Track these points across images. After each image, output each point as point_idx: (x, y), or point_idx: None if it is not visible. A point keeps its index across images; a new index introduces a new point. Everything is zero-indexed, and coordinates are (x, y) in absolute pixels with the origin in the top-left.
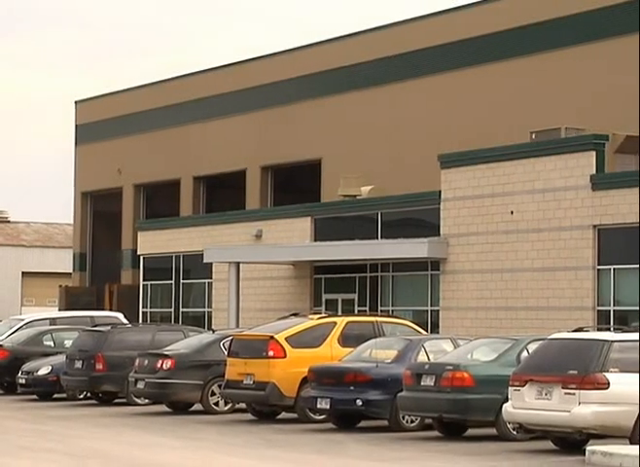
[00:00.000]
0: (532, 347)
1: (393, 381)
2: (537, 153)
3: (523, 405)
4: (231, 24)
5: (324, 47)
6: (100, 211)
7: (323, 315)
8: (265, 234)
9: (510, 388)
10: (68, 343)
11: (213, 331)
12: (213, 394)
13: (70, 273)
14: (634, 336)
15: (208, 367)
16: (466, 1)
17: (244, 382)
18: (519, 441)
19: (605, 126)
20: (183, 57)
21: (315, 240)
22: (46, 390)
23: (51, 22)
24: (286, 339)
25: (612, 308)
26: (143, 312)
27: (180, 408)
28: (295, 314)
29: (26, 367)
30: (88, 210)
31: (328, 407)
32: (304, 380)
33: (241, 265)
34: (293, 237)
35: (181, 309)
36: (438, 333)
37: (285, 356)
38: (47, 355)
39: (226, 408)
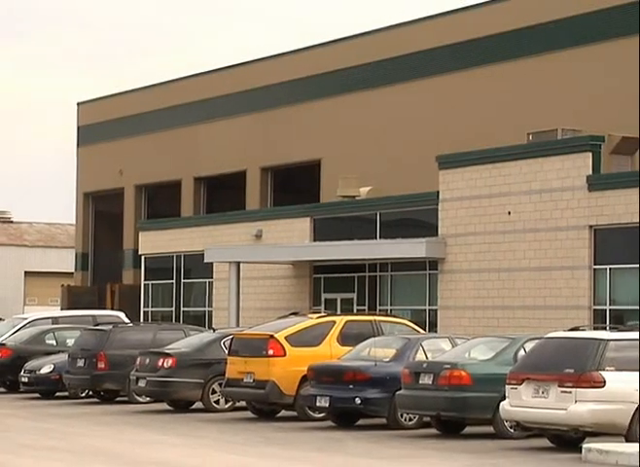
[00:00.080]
0: (529, 346)
1: (391, 380)
2: (534, 154)
3: (520, 403)
4: (231, 25)
5: (323, 49)
6: (102, 211)
7: (322, 314)
8: (264, 235)
9: (507, 386)
10: (70, 342)
11: (214, 330)
12: (214, 392)
13: (72, 273)
14: (630, 335)
15: (209, 365)
16: (462, 4)
17: (244, 381)
18: (516, 438)
19: (601, 128)
20: (183, 58)
21: (314, 240)
22: (48, 388)
23: (51, 23)
24: (286, 337)
25: (608, 308)
26: (144, 311)
27: (181, 406)
28: (294, 313)
29: (29, 365)
30: (90, 211)
31: (327, 405)
32: (304, 379)
33: (241, 264)
34: (292, 237)
35: (182, 309)
36: (436, 332)
37: (285, 355)
38: (49, 354)
39: (226, 406)
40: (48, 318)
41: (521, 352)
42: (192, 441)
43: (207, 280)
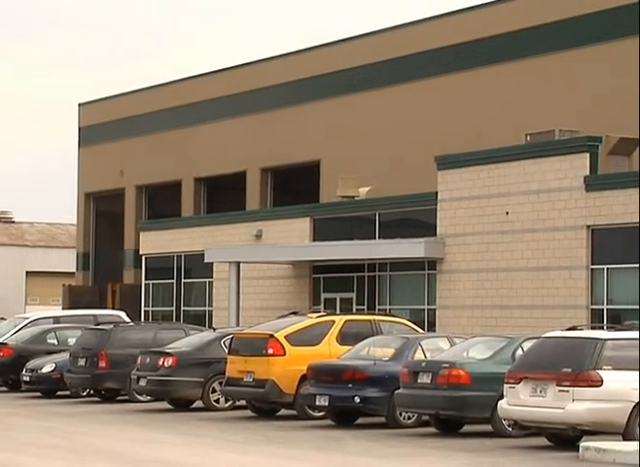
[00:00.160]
0: (527, 345)
1: (390, 379)
2: (532, 154)
3: (518, 402)
4: (231, 26)
5: (322, 50)
6: (103, 212)
7: (322, 314)
8: (264, 235)
9: (505, 386)
10: (72, 341)
11: (214, 329)
12: (214, 391)
13: (73, 273)
14: (627, 334)
15: (209, 365)
16: (461, 6)
17: (244, 380)
18: (514, 437)
19: (599, 129)
20: (183, 59)
21: (314, 240)
22: (49, 387)
23: (51, 23)
24: (285, 337)
25: (605, 307)
26: (145, 311)
27: (181, 405)
28: (294, 313)
29: (30, 364)
30: (92, 211)
31: (326, 404)
32: (303, 378)
33: (241, 264)
34: (292, 237)
35: (182, 308)
36: (434, 331)
37: (284, 354)
38: (50, 353)
39: (226, 405)
40: (49, 318)
41: (519, 351)
42: (192, 439)
43: (207, 280)
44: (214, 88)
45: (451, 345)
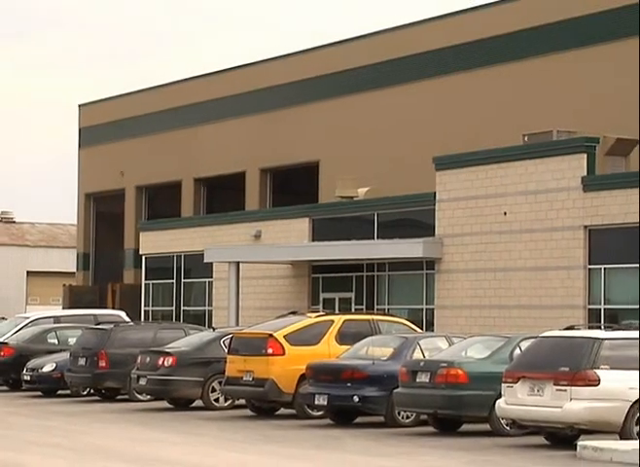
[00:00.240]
0: (525, 345)
1: (389, 378)
2: (529, 155)
3: (516, 401)
4: (231, 27)
5: (321, 51)
6: (103, 212)
7: (321, 314)
8: (264, 235)
9: (503, 385)
10: (72, 341)
11: (213, 329)
12: (213, 391)
13: (74, 273)
14: (624, 334)
15: (209, 364)
16: (459, 7)
17: (244, 379)
18: (512, 436)
19: (596, 129)
20: (183, 60)
21: (313, 240)
22: (50, 387)
23: (51, 23)
24: (285, 336)
25: (602, 307)
26: (145, 311)
27: (181, 404)
28: (293, 313)
29: (31, 364)
30: (92, 211)
31: (325, 403)
32: (303, 377)
33: (241, 264)
34: (291, 238)
35: (182, 308)
36: (433, 331)
37: (284, 353)
38: (51, 352)
39: (226, 404)
40: (50, 317)
41: (517, 351)
42: (192, 439)
43: (207, 280)
44: (213, 88)
45: (450, 345)
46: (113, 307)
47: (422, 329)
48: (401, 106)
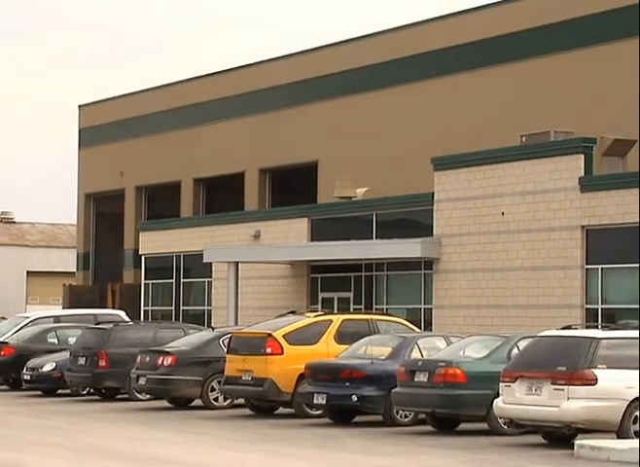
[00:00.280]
0: (522, 344)
1: (387, 378)
2: (527, 155)
3: (514, 400)
4: (231, 28)
5: (320, 52)
6: (103, 212)
7: (319, 313)
8: (263, 235)
9: (501, 384)
10: (72, 341)
11: (213, 328)
12: (213, 390)
13: (74, 273)
14: (621, 333)
15: (208, 363)
16: (457, 8)
17: (243, 378)
18: (510, 435)
19: (593, 130)
20: (183, 61)
21: (312, 240)
22: (50, 386)
23: (51, 23)
24: (284, 336)
25: (600, 307)
26: (144, 310)
27: (180, 403)
28: (292, 312)
29: (31, 363)
30: (92, 211)
31: (324, 402)
32: (301, 377)
33: (240, 264)
34: (290, 238)
35: (181, 308)
36: (431, 330)
37: (282, 353)
38: (51, 352)
39: (225, 403)
40: (50, 317)
41: (515, 350)
42: (191, 438)
43: (206, 280)
44: (213, 89)
45: (448, 344)
46: (113, 307)
47: (420, 328)
48: (399, 107)
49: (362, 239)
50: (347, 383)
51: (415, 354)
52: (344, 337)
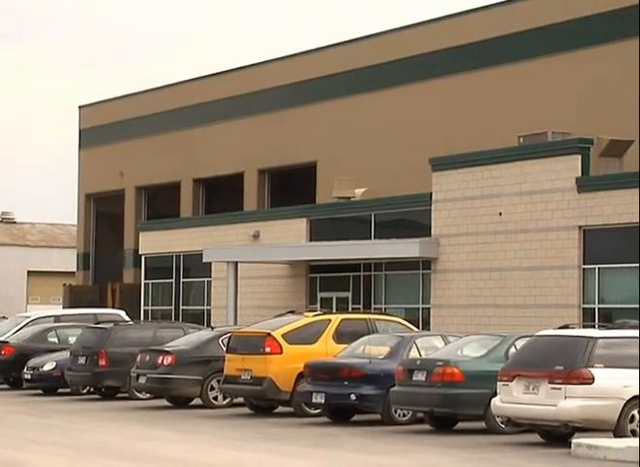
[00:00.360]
0: (520, 344)
1: (386, 377)
2: (525, 156)
3: (511, 399)
4: (230, 29)
5: (319, 53)
6: (103, 212)
7: (318, 313)
8: (262, 235)
9: (498, 383)
10: (72, 340)
11: (212, 328)
12: (212, 389)
13: (74, 272)
14: (618, 332)
15: (207, 363)
16: (455, 9)
17: (242, 378)
18: (508, 434)
19: (590, 131)
20: (183, 61)
21: (311, 241)
22: (50, 385)
23: (51, 24)
24: (282, 335)
25: (597, 306)
26: (144, 310)
27: (180, 402)
28: (291, 312)
29: (32, 363)
30: (92, 211)
31: (323, 401)
32: (300, 376)
33: (239, 264)
34: (289, 238)
35: (181, 307)
36: (429, 330)
37: (281, 352)
38: (51, 351)
39: (224, 402)
40: (50, 316)
41: (512, 350)
42: (191, 436)
43: (206, 279)
44: (212, 89)
45: (446, 344)
46: (113, 307)
47: (418, 328)
48: (397, 107)
49: (360, 239)
50: (346, 382)
51: (413, 353)
52: (343, 336)
